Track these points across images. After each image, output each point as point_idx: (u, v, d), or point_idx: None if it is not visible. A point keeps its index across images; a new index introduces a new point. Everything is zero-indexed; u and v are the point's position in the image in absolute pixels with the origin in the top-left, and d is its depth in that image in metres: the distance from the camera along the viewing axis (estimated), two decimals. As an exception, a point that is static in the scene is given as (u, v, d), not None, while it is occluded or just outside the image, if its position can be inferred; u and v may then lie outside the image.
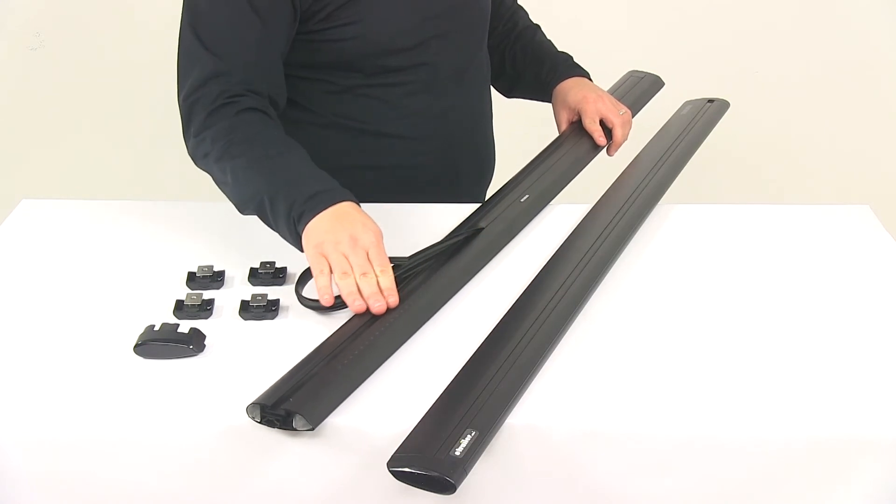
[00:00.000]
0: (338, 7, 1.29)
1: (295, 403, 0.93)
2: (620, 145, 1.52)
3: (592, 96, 1.51)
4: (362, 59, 1.35)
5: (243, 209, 1.21)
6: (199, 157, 1.24)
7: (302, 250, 1.12)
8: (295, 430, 0.94)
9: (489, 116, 1.58)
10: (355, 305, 1.07)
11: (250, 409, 0.94)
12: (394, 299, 1.08)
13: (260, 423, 0.94)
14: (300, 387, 0.96)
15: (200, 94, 1.24)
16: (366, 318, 1.08)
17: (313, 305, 1.12)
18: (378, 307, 1.07)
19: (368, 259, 1.09)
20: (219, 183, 1.23)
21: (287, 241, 1.16)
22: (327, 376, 0.98)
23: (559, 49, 1.62)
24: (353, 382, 0.99)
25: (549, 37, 1.63)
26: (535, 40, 1.60)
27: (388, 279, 1.09)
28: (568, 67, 1.57)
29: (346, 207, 1.13)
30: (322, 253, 1.10)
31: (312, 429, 0.93)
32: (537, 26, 1.64)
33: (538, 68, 1.57)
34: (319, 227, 1.11)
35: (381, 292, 1.08)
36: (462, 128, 1.48)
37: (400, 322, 1.08)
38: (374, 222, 1.13)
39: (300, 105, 1.39)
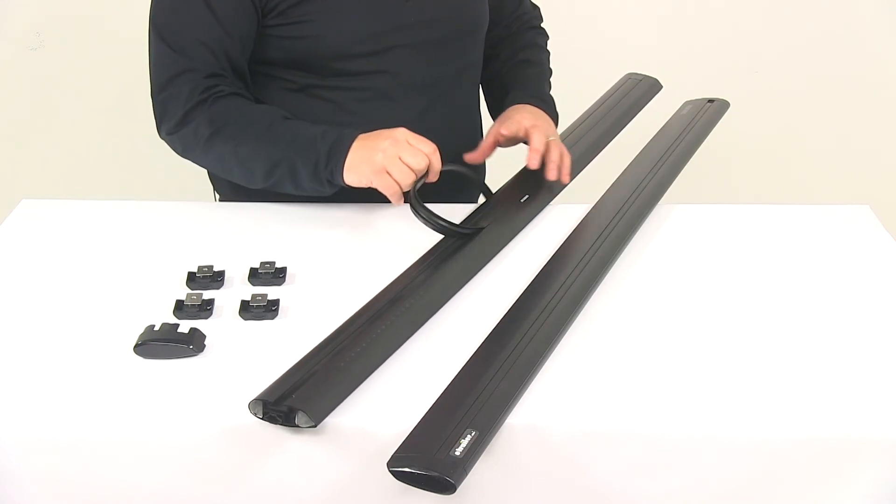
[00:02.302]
0: (291, 5, 1.30)
1: (297, 400, 0.93)
2: (555, 164, 1.36)
3: (529, 115, 1.40)
4: (314, 59, 1.34)
5: (253, 184, 1.31)
6: (181, 150, 1.33)
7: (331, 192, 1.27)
8: (297, 426, 0.94)
9: (471, 130, 1.52)
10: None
11: (252, 405, 0.94)
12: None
13: (262, 419, 0.94)
14: (303, 384, 0.96)
15: (171, 91, 1.30)
16: (366, 316, 1.08)
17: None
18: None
19: (411, 144, 1.23)
20: (217, 170, 1.34)
21: (319, 192, 1.28)
22: (329, 374, 0.98)
23: (550, 85, 1.54)
24: (355, 380, 0.99)
25: (550, 38, 1.60)
26: (521, 73, 1.51)
27: (438, 158, 1.25)
28: (528, 97, 1.46)
29: (359, 140, 1.23)
30: (382, 170, 1.22)
31: (315, 426, 0.93)
32: (541, 63, 1.55)
33: (505, 98, 1.49)
34: (355, 160, 1.23)
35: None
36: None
37: (401, 321, 1.08)
38: (392, 129, 1.24)
39: (259, 101, 1.37)
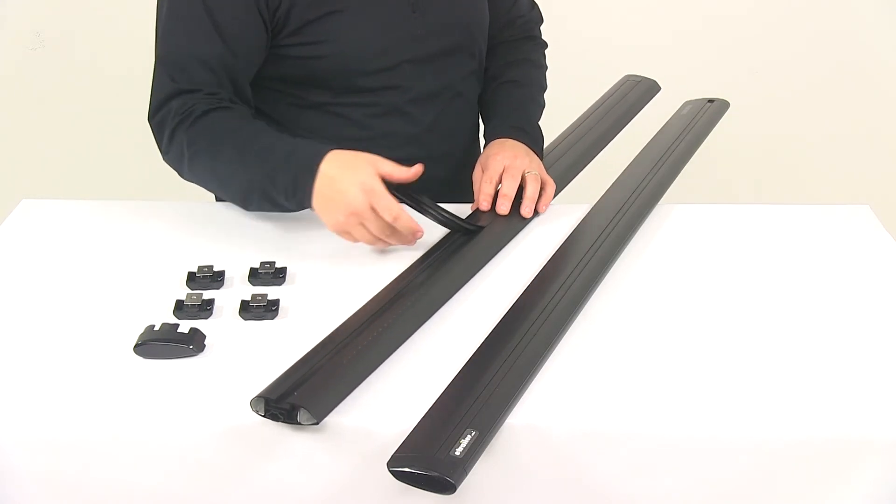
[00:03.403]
0: (306, 23, 1.29)
1: (300, 397, 0.93)
2: (528, 200, 1.33)
3: (507, 154, 1.35)
4: (329, 77, 1.34)
5: (242, 206, 1.29)
6: (178, 171, 1.30)
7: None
8: (299, 423, 0.94)
9: (475, 136, 1.52)
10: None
11: (254, 402, 0.94)
12: (419, 234, 1.20)
13: (264, 416, 0.94)
14: (305, 381, 0.96)
15: (163, 114, 1.28)
16: (369, 314, 1.08)
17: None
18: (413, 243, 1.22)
19: (376, 212, 1.15)
20: (208, 189, 1.31)
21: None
22: (331, 371, 0.98)
23: (543, 103, 1.52)
24: (357, 378, 0.99)
25: (549, 38, 1.60)
26: (506, 97, 1.47)
27: (403, 223, 1.17)
28: (508, 129, 1.42)
29: (324, 176, 1.16)
30: (345, 231, 1.18)
31: (317, 423, 0.93)
32: (530, 83, 1.51)
33: (488, 124, 1.48)
34: (320, 210, 1.18)
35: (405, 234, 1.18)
36: (437, 150, 1.43)
37: (402, 319, 1.08)
38: (360, 168, 1.16)
39: (269, 117, 1.37)
